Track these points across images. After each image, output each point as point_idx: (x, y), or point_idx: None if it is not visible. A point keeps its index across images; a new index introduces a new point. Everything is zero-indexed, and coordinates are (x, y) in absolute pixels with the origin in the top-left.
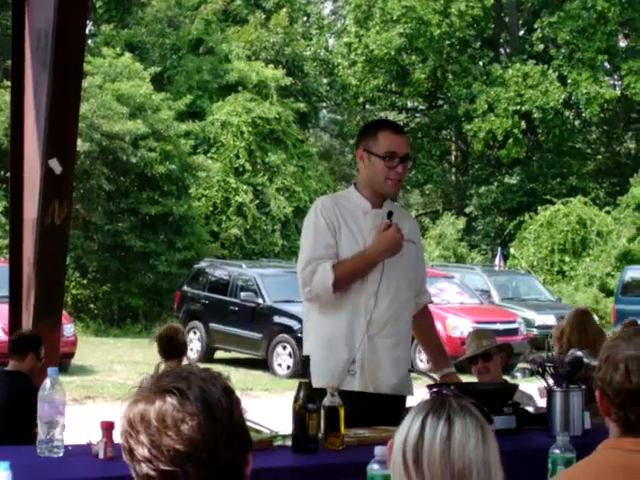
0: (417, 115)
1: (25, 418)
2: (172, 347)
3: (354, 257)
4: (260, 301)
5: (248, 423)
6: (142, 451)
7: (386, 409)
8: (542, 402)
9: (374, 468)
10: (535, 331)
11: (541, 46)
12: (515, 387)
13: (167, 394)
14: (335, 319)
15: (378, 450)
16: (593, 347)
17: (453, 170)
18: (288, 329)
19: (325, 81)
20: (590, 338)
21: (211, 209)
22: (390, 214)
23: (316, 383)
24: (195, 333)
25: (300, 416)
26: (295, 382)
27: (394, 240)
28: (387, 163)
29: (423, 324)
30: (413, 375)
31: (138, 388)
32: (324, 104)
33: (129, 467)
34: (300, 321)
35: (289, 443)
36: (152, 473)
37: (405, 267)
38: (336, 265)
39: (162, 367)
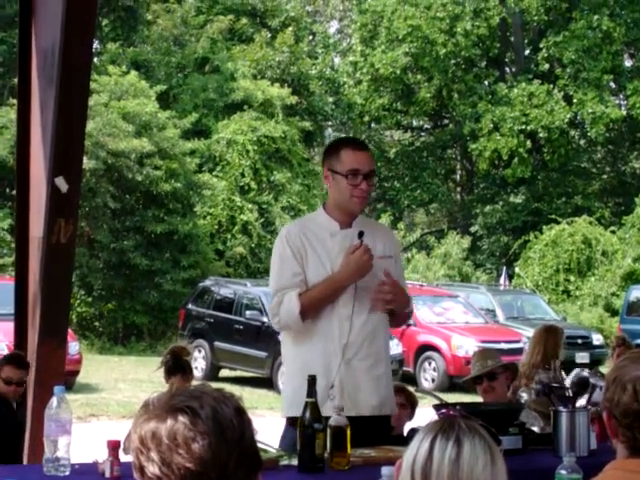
0: (422, 134)
1: None
2: (175, 364)
3: (321, 283)
4: (265, 320)
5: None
6: (153, 469)
7: (369, 431)
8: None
9: None
10: None
11: (546, 66)
12: (521, 407)
13: (179, 413)
14: (309, 346)
15: (385, 470)
16: (549, 361)
17: (458, 189)
18: None
19: (331, 100)
20: (547, 353)
21: (216, 227)
22: (361, 234)
23: (294, 412)
24: (200, 351)
25: (306, 436)
26: None
27: (361, 262)
28: (350, 181)
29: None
30: (418, 395)
31: (145, 406)
32: (330, 123)
33: None
34: None
35: (295, 462)
36: None
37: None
38: (302, 293)
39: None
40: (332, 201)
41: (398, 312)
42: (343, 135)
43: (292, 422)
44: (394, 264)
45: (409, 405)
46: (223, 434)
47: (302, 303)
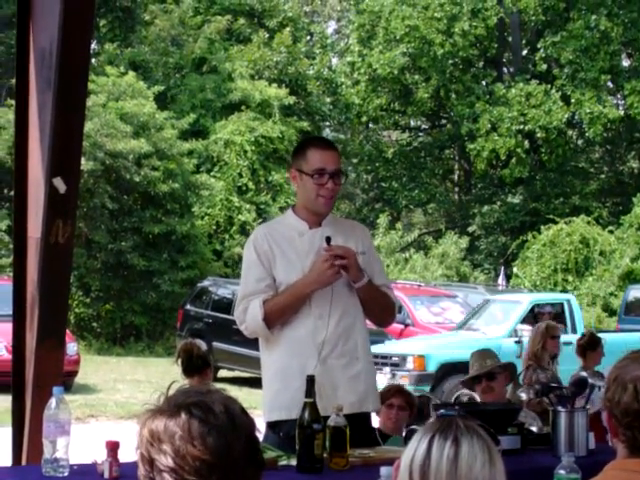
0: (420, 134)
1: None
2: (189, 364)
3: (284, 291)
4: None
5: None
6: (166, 461)
7: (350, 428)
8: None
9: None
10: None
11: (544, 66)
12: (519, 407)
13: (192, 407)
14: (284, 348)
15: (383, 470)
16: (537, 358)
17: (456, 189)
18: None
19: (328, 100)
20: (533, 350)
21: (214, 228)
22: (328, 239)
23: (275, 416)
24: None
25: (305, 436)
26: None
27: (321, 270)
28: (316, 180)
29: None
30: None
31: (155, 405)
32: (327, 123)
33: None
34: None
35: (294, 463)
36: None
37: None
38: (267, 301)
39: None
40: (300, 202)
41: (369, 300)
42: (342, 136)
43: (272, 427)
44: (368, 259)
45: (408, 407)
46: (236, 428)
47: (266, 310)
